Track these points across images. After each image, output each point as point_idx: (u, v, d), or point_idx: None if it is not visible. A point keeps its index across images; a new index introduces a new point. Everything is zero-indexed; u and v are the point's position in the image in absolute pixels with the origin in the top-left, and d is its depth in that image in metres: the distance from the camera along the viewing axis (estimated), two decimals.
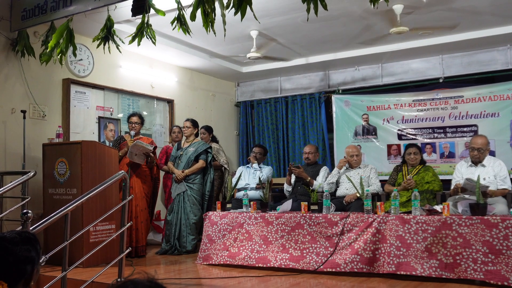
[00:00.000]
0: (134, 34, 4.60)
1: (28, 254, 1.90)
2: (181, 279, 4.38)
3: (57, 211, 3.38)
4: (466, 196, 4.76)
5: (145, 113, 7.22)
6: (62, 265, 3.41)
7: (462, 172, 5.13)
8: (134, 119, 5.88)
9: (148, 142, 5.87)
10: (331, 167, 7.60)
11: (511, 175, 5.62)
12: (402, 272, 4.19)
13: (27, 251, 1.90)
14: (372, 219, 4.41)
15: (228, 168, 7.11)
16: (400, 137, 7.51)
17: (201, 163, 5.94)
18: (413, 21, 5.98)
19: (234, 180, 5.97)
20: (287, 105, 8.66)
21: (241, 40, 6.68)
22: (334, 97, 8.05)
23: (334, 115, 8.03)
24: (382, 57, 7.50)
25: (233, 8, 4.11)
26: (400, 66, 7.72)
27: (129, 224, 4.10)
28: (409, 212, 4.42)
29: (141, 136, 5.98)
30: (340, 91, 8.11)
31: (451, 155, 7.16)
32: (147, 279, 1.12)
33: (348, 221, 4.52)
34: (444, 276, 4.05)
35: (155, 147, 5.97)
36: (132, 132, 5.84)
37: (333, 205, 4.94)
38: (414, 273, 4.15)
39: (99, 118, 6.51)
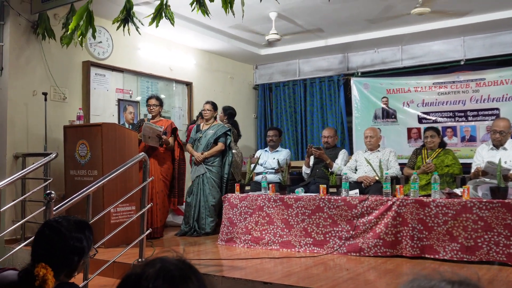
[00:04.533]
0: (153, 16, 4.60)
1: (80, 244, 1.86)
2: (201, 260, 4.43)
3: (79, 192, 3.43)
4: (487, 179, 4.71)
5: (163, 96, 7.24)
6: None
7: (483, 156, 5.06)
8: (152, 101, 5.90)
9: (168, 124, 5.88)
10: (350, 151, 7.57)
11: None
12: (426, 255, 4.21)
13: (79, 241, 1.86)
14: (391, 202, 4.40)
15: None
16: (420, 120, 7.43)
17: (220, 145, 5.96)
18: (434, 1, 5.87)
19: (253, 164, 5.98)
20: (305, 88, 8.62)
21: (260, 22, 6.64)
22: (353, 80, 7.98)
23: (353, 98, 7.96)
24: (402, 39, 7.39)
25: None
26: (420, 48, 7.61)
27: (149, 205, 4.15)
28: (429, 195, 4.40)
29: (161, 118, 5.99)
30: (359, 74, 8.04)
31: (472, 138, 7.07)
32: (176, 257, 1.12)
33: (367, 204, 4.52)
34: (465, 259, 4.05)
35: (176, 129, 5.96)
36: (150, 115, 5.86)
37: (357, 192, 4.94)
38: (437, 256, 4.16)
39: (119, 100, 6.56)
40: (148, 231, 4.14)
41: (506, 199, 4.04)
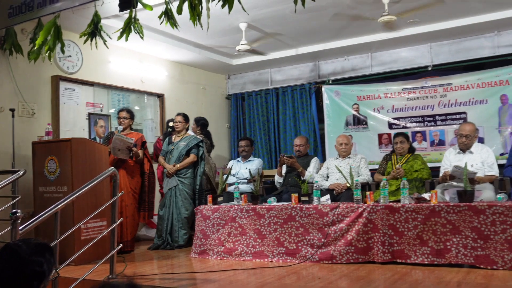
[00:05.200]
0: (122, 30, 4.59)
1: (40, 268, 1.80)
2: (174, 274, 4.41)
3: (47, 210, 3.39)
4: (454, 183, 4.81)
5: (137, 107, 7.21)
6: (54, 264, 3.42)
7: (450, 160, 5.17)
8: (123, 114, 5.88)
9: (138, 137, 5.86)
10: (323, 158, 7.64)
11: (499, 161, 5.69)
12: (398, 260, 4.27)
13: (39, 265, 1.80)
14: (362, 209, 4.45)
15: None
16: (390, 126, 7.54)
17: (192, 157, 5.96)
18: (400, 10, 5.99)
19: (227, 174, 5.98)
20: (277, 96, 8.67)
21: (230, 33, 6.68)
22: (324, 88, 8.06)
23: (324, 106, 8.04)
24: (371, 46, 7.51)
25: (220, 1, 4.11)
26: (389, 55, 7.74)
27: (120, 220, 4.12)
28: (398, 201, 4.47)
29: (131, 131, 5.97)
30: (330, 82, 8.13)
31: (441, 142, 7.20)
32: (126, 282, 1.11)
33: (338, 212, 4.56)
34: (436, 262, 4.13)
35: (145, 142, 5.95)
36: (120, 128, 5.83)
37: (329, 198, 4.98)
38: (408, 260, 4.23)
39: (89, 114, 6.50)
40: (119, 247, 4.11)
41: (472, 202, 4.12)
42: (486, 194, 4.62)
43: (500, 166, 5.26)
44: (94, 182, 3.91)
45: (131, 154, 5.60)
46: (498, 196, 4.32)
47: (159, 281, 4.04)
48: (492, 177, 4.96)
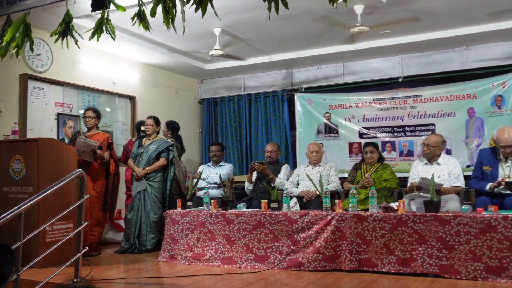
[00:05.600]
0: (93, 30, 4.52)
1: (0, 270, 1.73)
2: (141, 278, 4.35)
3: (11, 210, 3.31)
4: (422, 194, 4.89)
5: (108, 109, 7.12)
6: (16, 266, 3.33)
7: (418, 170, 5.26)
8: (89, 113, 5.80)
9: (104, 138, 5.79)
10: (294, 165, 7.68)
11: (465, 173, 5.81)
12: (365, 268, 4.31)
13: None
14: (330, 217, 4.48)
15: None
16: (361, 135, 7.63)
17: (162, 161, 5.91)
18: (373, 21, 6.08)
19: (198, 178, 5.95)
20: (250, 102, 8.68)
21: (204, 37, 6.66)
22: (297, 96, 8.11)
23: (297, 113, 8.09)
24: (344, 56, 7.60)
25: (194, 5, 4.09)
26: (361, 65, 7.84)
27: (86, 223, 4.04)
28: (367, 210, 4.51)
29: (97, 131, 5.89)
30: (303, 90, 8.18)
31: (410, 153, 7.32)
32: (83, 285, 1.08)
33: (307, 219, 4.58)
34: (401, 271, 4.17)
35: (111, 143, 5.88)
36: (85, 129, 5.74)
37: (296, 202, 5.00)
38: (375, 269, 4.26)
39: (58, 114, 6.38)
40: (85, 250, 4.04)
41: (438, 212, 4.19)
42: (451, 205, 4.71)
43: (466, 178, 5.37)
44: (61, 184, 3.84)
45: (95, 157, 5.53)
46: (463, 207, 4.40)
47: (125, 285, 3.98)
48: (458, 188, 5.06)
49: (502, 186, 4.71)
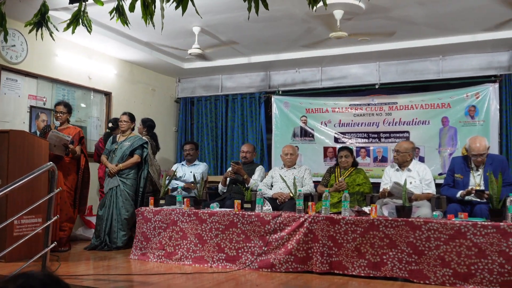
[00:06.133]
0: (69, 21, 4.44)
1: None
2: (110, 275, 4.28)
3: None
4: (394, 200, 4.94)
5: (83, 105, 7.02)
6: None
7: (390, 176, 5.32)
8: (60, 108, 5.70)
9: (76, 132, 5.70)
10: (269, 168, 7.67)
11: (438, 181, 5.90)
12: (335, 271, 4.33)
13: None
14: (303, 219, 4.49)
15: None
16: (336, 140, 7.68)
17: (135, 158, 5.85)
18: (352, 27, 6.13)
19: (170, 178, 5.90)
20: (227, 103, 8.66)
21: (183, 36, 6.62)
22: (274, 98, 8.13)
23: (273, 116, 8.11)
24: (322, 60, 7.64)
25: (174, 2, 4.06)
26: (339, 71, 7.90)
27: (55, 218, 3.97)
28: (339, 213, 4.53)
29: (69, 126, 5.80)
30: (280, 92, 8.20)
31: (384, 159, 7.39)
32: (43, 272, 1.04)
33: (280, 220, 4.58)
34: (371, 275, 4.20)
35: (83, 137, 5.80)
36: (57, 122, 5.65)
37: (267, 202, 5.00)
38: (346, 272, 4.28)
39: (31, 107, 6.26)
40: (53, 245, 3.96)
41: (409, 218, 4.24)
42: (423, 211, 4.77)
43: (439, 185, 5.45)
44: (31, 177, 3.76)
45: (67, 151, 5.44)
46: (434, 213, 4.46)
47: (93, 281, 3.91)
48: (429, 195, 5.14)
49: (472, 194, 4.79)
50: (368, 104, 7.55)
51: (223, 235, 4.77)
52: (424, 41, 6.72)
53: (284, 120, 8.04)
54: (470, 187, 4.85)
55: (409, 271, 4.10)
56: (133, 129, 6.13)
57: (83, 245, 5.87)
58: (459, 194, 4.89)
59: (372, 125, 7.51)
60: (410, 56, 7.29)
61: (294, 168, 5.97)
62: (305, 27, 6.30)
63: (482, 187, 4.80)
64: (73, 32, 4.46)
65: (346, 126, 7.66)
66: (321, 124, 7.79)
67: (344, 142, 7.50)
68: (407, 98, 7.35)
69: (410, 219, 4.17)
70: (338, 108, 7.72)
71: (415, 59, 7.36)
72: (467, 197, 4.85)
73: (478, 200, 4.79)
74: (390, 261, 4.18)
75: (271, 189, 5.90)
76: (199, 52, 6.55)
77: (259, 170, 6.18)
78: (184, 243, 4.92)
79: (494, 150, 6.51)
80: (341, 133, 7.66)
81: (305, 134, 7.90)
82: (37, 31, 4.62)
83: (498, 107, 6.84)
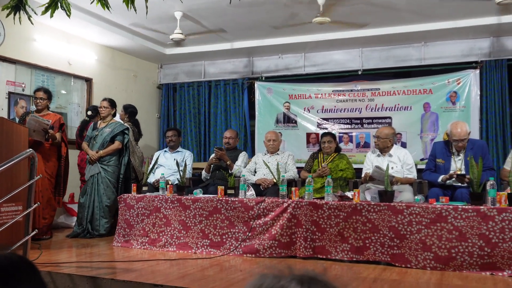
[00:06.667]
0: (47, 5, 4.35)
1: None
2: (93, 262, 4.25)
3: None
4: (377, 184, 4.98)
5: (63, 91, 6.91)
6: None
7: (372, 161, 5.35)
8: (40, 94, 5.60)
9: (56, 118, 5.62)
10: (252, 154, 7.67)
11: (419, 166, 5.95)
12: (319, 256, 4.36)
13: None
14: (287, 204, 4.50)
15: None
16: (319, 126, 7.69)
17: (116, 144, 5.78)
18: (335, 13, 6.11)
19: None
20: (210, 89, 8.60)
21: (165, 21, 6.54)
22: (257, 84, 8.09)
23: (256, 102, 8.08)
24: (305, 46, 7.62)
25: None
26: (322, 57, 7.88)
27: (36, 205, 3.91)
28: (323, 198, 4.55)
29: (48, 112, 5.70)
30: (263, 78, 8.17)
31: (366, 145, 7.43)
32: (10, 253, 1.03)
33: (263, 206, 4.58)
34: (354, 259, 4.24)
35: (63, 124, 5.72)
36: (33, 107, 5.56)
37: (251, 188, 5.00)
38: (329, 256, 4.32)
39: (9, 93, 6.14)
40: (34, 232, 3.91)
41: (392, 202, 4.28)
42: (405, 195, 4.81)
43: (421, 170, 5.50)
44: (10, 163, 3.69)
45: (47, 136, 5.36)
46: (416, 197, 4.50)
47: (76, 269, 3.88)
48: (410, 179, 5.18)
49: (453, 179, 4.85)
50: (351, 90, 7.56)
51: (207, 221, 4.77)
52: (406, 27, 6.74)
53: (267, 106, 8.02)
54: (451, 172, 4.90)
55: (391, 255, 4.14)
56: (114, 115, 6.05)
57: (65, 233, 5.82)
58: (440, 178, 4.95)
59: (355, 111, 7.53)
60: (392, 42, 7.30)
61: (278, 154, 5.97)
62: (288, 12, 6.26)
63: (463, 172, 4.85)
64: (51, 16, 4.37)
65: (329, 112, 7.67)
66: (304, 110, 7.79)
67: (327, 128, 7.51)
68: (389, 84, 7.38)
69: (392, 204, 4.21)
70: (321, 94, 7.72)
71: (397, 45, 7.37)
72: (448, 182, 4.90)
73: (459, 184, 4.85)
74: (372, 246, 4.21)
75: (254, 175, 5.90)
76: (181, 38, 6.49)
77: (243, 156, 6.17)
78: (168, 230, 4.91)
79: (475, 135, 6.59)
80: (324, 119, 7.67)
81: (288, 120, 7.89)
82: (14, 15, 4.51)
83: (479, 93, 6.90)
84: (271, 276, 0.89)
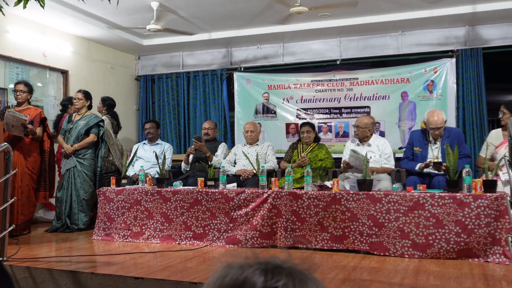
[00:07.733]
0: None
1: None
2: (72, 257, 4.22)
3: None
4: (355, 173, 5.02)
5: (39, 84, 6.80)
6: None
7: (351, 150, 5.39)
8: (20, 87, 5.50)
9: (36, 113, 5.53)
10: (232, 145, 7.66)
11: (398, 154, 6.02)
12: (299, 245, 4.40)
13: None
14: (266, 195, 4.52)
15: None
16: (298, 116, 7.71)
17: (91, 137, 5.72)
18: (313, 2, 6.11)
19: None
20: (189, 80, 8.55)
21: (141, 11, 6.46)
22: (236, 75, 8.07)
23: (235, 93, 8.06)
24: (283, 36, 7.61)
25: None
26: (300, 47, 7.88)
27: (12, 200, 3.86)
28: (302, 188, 4.58)
29: (29, 106, 5.61)
30: (242, 69, 8.15)
31: (345, 134, 7.48)
32: None
33: (243, 197, 4.59)
34: (334, 248, 4.29)
35: (45, 119, 5.63)
36: (14, 101, 5.47)
37: (235, 183, 5.00)
38: (309, 245, 4.36)
39: None
40: (11, 228, 3.86)
41: (371, 190, 4.32)
42: (383, 184, 4.86)
43: (399, 159, 5.56)
44: None
45: (26, 131, 5.27)
46: (394, 186, 4.56)
47: (55, 263, 3.84)
48: (388, 169, 5.24)
49: (430, 167, 4.92)
50: (330, 80, 7.59)
51: (188, 213, 4.76)
52: (383, 16, 6.77)
53: (246, 97, 8.01)
54: (428, 160, 4.96)
55: (370, 243, 4.20)
56: (89, 108, 5.97)
57: (44, 228, 5.76)
58: (417, 166, 5.01)
59: (334, 101, 7.56)
60: (370, 32, 7.34)
61: (257, 144, 5.98)
62: (266, 2, 6.24)
63: (440, 160, 4.92)
64: (24, 6, 4.29)
65: (308, 102, 7.69)
66: (283, 100, 7.80)
67: (306, 118, 7.53)
68: (367, 74, 7.42)
69: (371, 192, 4.25)
70: (300, 84, 7.73)
71: (375, 34, 7.41)
72: (425, 170, 4.97)
73: (436, 172, 4.92)
74: (352, 234, 4.26)
75: (234, 166, 5.90)
76: (158, 28, 6.42)
77: (222, 147, 6.16)
78: (151, 223, 4.89)
79: (452, 123, 6.68)
80: (303, 109, 7.69)
81: (267, 111, 7.89)
82: None
83: (455, 81, 6.98)
84: (235, 267, 0.86)
